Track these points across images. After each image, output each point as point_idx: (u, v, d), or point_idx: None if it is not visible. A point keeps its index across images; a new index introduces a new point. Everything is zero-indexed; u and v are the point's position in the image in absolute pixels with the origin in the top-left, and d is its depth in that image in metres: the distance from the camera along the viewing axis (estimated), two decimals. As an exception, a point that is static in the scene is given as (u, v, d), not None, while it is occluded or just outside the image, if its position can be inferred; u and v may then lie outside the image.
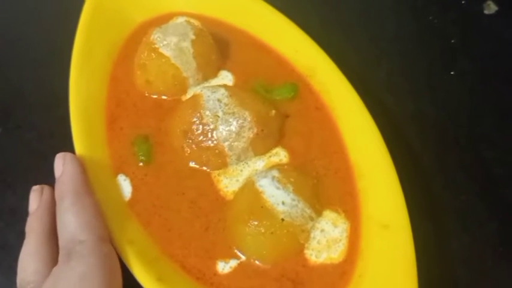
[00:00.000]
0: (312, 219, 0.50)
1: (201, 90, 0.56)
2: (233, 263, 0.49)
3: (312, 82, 0.61)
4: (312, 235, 0.50)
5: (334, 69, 0.60)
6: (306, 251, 0.49)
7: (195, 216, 0.51)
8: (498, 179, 0.62)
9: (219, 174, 0.54)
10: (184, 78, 0.58)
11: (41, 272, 0.44)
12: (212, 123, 0.53)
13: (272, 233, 0.48)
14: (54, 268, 0.43)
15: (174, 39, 0.58)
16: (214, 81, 0.61)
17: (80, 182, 0.47)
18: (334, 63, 0.60)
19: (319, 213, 0.51)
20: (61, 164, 0.48)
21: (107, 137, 0.55)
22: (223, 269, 0.48)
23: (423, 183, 0.61)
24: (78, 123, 0.53)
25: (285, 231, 0.48)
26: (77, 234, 0.43)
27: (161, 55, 0.57)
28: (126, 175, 0.53)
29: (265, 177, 0.51)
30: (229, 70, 0.62)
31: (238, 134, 0.53)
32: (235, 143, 0.53)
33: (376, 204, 0.52)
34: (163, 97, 0.59)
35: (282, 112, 0.58)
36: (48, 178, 0.50)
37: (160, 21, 0.63)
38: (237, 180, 0.53)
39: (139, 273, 0.45)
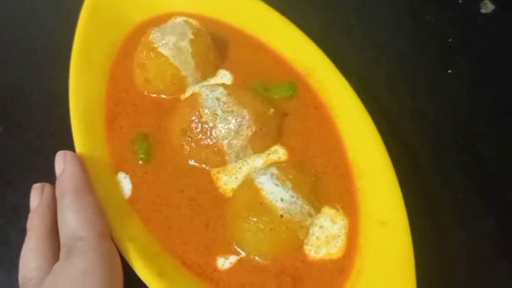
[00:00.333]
0: (310, 215, 0.50)
1: (200, 89, 0.56)
2: (233, 258, 0.49)
3: (310, 81, 0.62)
4: (310, 231, 0.50)
5: (332, 68, 0.60)
6: (305, 247, 0.50)
7: (194, 213, 0.52)
8: (495, 176, 0.63)
9: (218, 172, 0.54)
10: (183, 77, 0.59)
11: (42, 268, 0.44)
12: (211, 122, 0.53)
13: (271, 229, 0.48)
14: (56, 264, 0.43)
15: (173, 39, 0.58)
16: (213, 80, 0.61)
17: (80, 180, 0.47)
18: (332, 63, 0.61)
19: (317, 210, 0.52)
20: (62, 161, 0.49)
21: (107, 136, 0.56)
22: (223, 264, 0.49)
23: (421, 181, 0.61)
24: (78, 122, 0.53)
25: (284, 227, 0.48)
26: (78, 231, 0.43)
27: (160, 54, 0.58)
28: (126, 173, 0.53)
29: (264, 174, 0.51)
30: (227, 69, 0.62)
31: (237, 132, 0.53)
32: (234, 141, 0.53)
33: (374, 201, 0.52)
34: (163, 96, 0.59)
35: (280, 111, 0.58)
36: (48, 176, 0.50)
37: (159, 21, 0.63)
38: (236, 178, 0.54)
39: (140, 269, 0.45)
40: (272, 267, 0.49)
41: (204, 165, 0.54)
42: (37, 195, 0.49)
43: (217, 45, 0.63)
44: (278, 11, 0.65)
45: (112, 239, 0.46)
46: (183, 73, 0.59)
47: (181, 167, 0.54)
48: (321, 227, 0.51)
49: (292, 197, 0.50)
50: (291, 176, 0.51)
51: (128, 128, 0.56)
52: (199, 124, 0.54)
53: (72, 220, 0.44)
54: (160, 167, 0.54)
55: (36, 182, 0.51)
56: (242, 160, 0.55)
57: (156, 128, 0.57)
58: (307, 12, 0.75)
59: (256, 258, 0.49)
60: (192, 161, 0.55)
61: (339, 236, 0.51)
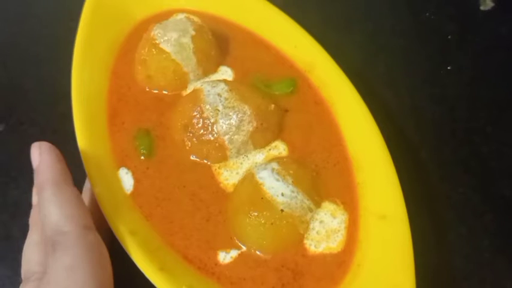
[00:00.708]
0: (311, 210, 0.51)
1: (201, 85, 0.56)
2: (234, 253, 0.50)
3: (311, 77, 0.62)
4: (311, 226, 0.51)
5: (332, 64, 0.61)
6: (305, 241, 0.50)
7: (196, 208, 0.52)
8: (494, 171, 0.63)
9: (219, 167, 0.55)
10: (185, 73, 0.59)
11: (44, 263, 0.44)
12: (212, 117, 0.54)
13: (272, 223, 0.48)
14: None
15: (174, 35, 0.58)
16: (215, 77, 0.61)
17: (59, 172, 0.45)
18: (332, 59, 0.61)
19: (318, 205, 0.52)
20: (37, 154, 0.46)
21: (109, 131, 0.56)
22: (224, 259, 0.49)
23: (421, 176, 0.62)
24: (81, 119, 0.53)
25: (285, 221, 0.49)
26: (61, 225, 0.42)
27: (162, 51, 0.58)
28: (128, 168, 0.54)
29: (264, 169, 0.51)
30: (229, 66, 0.63)
31: (238, 127, 0.54)
32: (235, 137, 0.54)
33: (374, 196, 0.53)
34: (164, 92, 0.60)
35: (281, 106, 0.59)
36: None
37: (161, 17, 0.63)
38: (237, 173, 0.54)
39: (141, 263, 0.45)
40: (273, 261, 0.49)
41: (205, 161, 0.55)
42: None
43: (219, 41, 0.63)
44: (279, 8, 0.65)
45: (113, 234, 0.46)
46: (185, 69, 0.59)
47: (183, 162, 0.55)
48: (321, 221, 0.51)
49: (293, 191, 0.50)
50: (291, 171, 0.52)
51: (129, 124, 0.57)
52: (201, 120, 0.54)
53: (54, 214, 0.42)
54: (162, 162, 0.55)
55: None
56: (243, 155, 0.55)
57: (157, 124, 0.57)
58: (308, 8, 0.76)
59: (257, 252, 0.50)
60: (194, 156, 0.55)
61: (339, 231, 0.51)
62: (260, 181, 0.50)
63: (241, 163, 0.55)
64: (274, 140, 0.57)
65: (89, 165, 0.50)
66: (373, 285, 0.47)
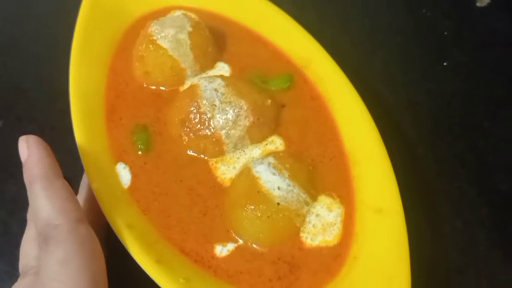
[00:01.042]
0: (307, 203, 0.51)
1: (198, 81, 0.57)
2: (231, 246, 0.50)
3: (307, 73, 0.62)
4: (307, 219, 0.51)
5: (328, 60, 0.61)
6: (301, 234, 0.51)
7: (193, 202, 0.52)
8: (490, 166, 0.64)
9: (216, 162, 0.55)
10: (182, 69, 0.59)
11: None
12: (209, 112, 0.54)
13: (268, 216, 0.49)
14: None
15: (172, 32, 0.59)
16: (212, 73, 0.62)
17: (48, 165, 0.44)
18: (328, 55, 0.61)
19: (314, 198, 0.52)
20: (25, 147, 0.46)
21: (107, 127, 0.56)
22: (221, 252, 0.49)
23: (417, 171, 0.62)
24: (79, 115, 0.53)
25: (281, 215, 0.49)
26: (52, 219, 0.41)
27: (159, 47, 0.58)
28: (126, 163, 0.54)
29: (261, 163, 0.52)
30: (226, 62, 0.63)
31: (234, 122, 0.54)
32: (232, 131, 0.54)
33: (370, 189, 0.53)
34: (162, 88, 0.60)
35: (277, 102, 0.59)
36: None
37: (158, 14, 0.63)
38: (234, 168, 0.54)
39: (138, 255, 0.45)
40: (269, 254, 0.50)
41: (202, 155, 0.55)
42: None
43: (216, 38, 0.63)
44: (275, 4, 0.66)
45: (110, 227, 0.46)
46: (182, 65, 0.59)
47: (180, 157, 0.55)
48: (317, 215, 0.52)
49: (289, 185, 0.50)
50: (288, 165, 0.52)
51: (127, 120, 0.57)
52: (198, 115, 0.54)
53: (45, 208, 0.42)
54: (159, 157, 0.55)
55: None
56: (240, 150, 0.56)
57: (155, 119, 0.57)
58: (305, 5, 0.76)
59: (254, 245, 0.50)
60: (191, 151, 0.55)
61: (335, 224, 0.52)
62: (257, 175, 0.51)
63: (238, 158, 0.55)
64: (270, 134, 0.57)
65: (86, 161, 0.50)
66: (369, 277, 0.48)
